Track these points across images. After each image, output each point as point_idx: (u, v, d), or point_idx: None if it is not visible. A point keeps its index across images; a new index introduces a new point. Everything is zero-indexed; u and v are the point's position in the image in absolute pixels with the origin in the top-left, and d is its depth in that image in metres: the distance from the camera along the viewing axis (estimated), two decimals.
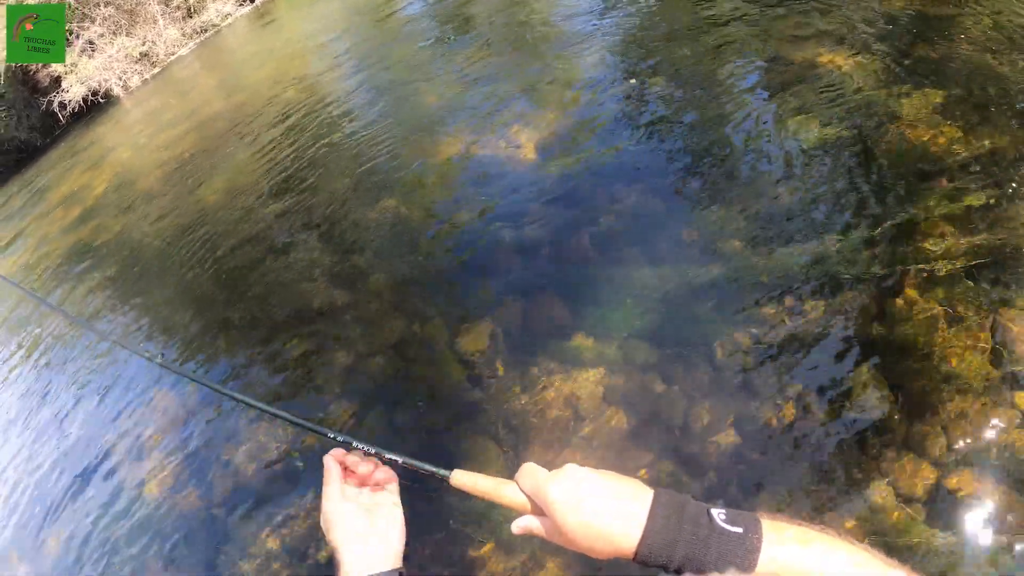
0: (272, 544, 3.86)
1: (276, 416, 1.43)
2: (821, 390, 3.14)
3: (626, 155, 4.98)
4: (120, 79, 17.53)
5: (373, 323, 4.80)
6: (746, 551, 0.77)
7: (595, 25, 7.05)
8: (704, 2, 6.54)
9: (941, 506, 2.61)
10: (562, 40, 7.23)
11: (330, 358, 4.74)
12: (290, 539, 3.82)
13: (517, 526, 0.97)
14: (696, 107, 5.22)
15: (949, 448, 2.73)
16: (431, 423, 3.92)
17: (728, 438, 3.14)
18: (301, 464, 4.18)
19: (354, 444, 1.20)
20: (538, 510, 0.94)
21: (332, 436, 1.24)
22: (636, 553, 0.82)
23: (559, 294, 4.21)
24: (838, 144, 4.26)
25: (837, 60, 4.96)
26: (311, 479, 4.08)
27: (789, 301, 3.55)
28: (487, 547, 3.23)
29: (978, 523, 2.51)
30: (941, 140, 3.96)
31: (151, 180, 10.37)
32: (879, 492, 2.72)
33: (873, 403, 2.99)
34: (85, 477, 5.45)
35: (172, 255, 7.79)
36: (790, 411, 3.11)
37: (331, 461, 1.14)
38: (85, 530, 4.98)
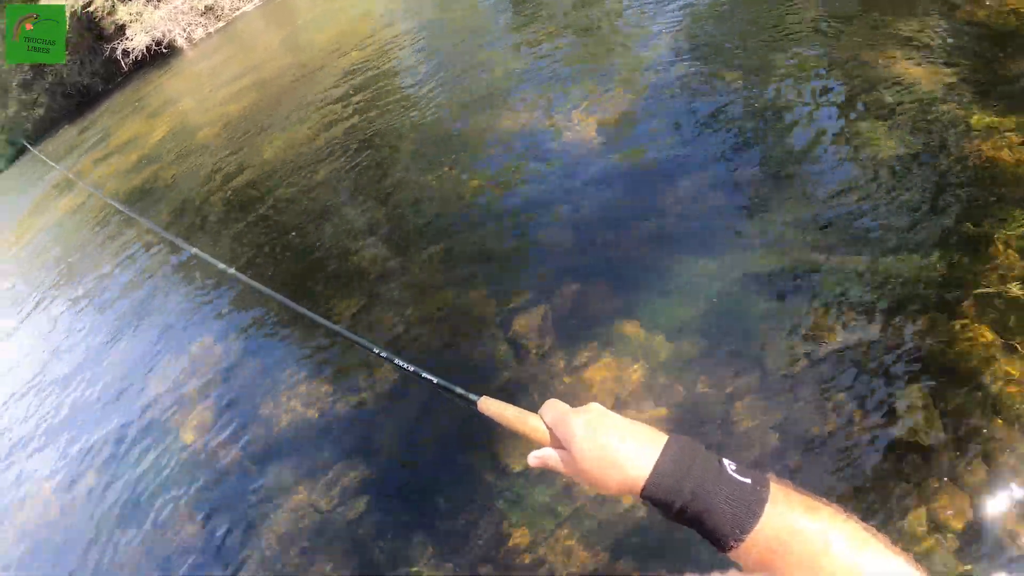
0: (302, 497, 3.93)
1: (323, 326, 1.48)
2: (867, 406, 3.07)
3: (689, 147, 4.91)
4: (184, 31, 17.79)
5: (423, 288, 4.81)
6: (753, 501, 0.80)
7: (668, 14, 6.94)
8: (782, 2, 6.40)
9: (976, 541, 2.55)
10: (633, 25, 7.12)
11: (377, 319, 4.76)
12: (322, 498, 3.89)
13: (534, 457, 1.01)
14: (764, 105, 5.11)
15: (992, 483, 2.67)
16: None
17: (768, 443, 3.09)
18: (333, 427, 4.26)
19: (396, 361, 1.26)
20: (557, 443, 0.98)
21: (377, 351, 1.30)
22: (644, 487, 0.86)
23: (611, 279, 4.17)
24: (908, 155, 4.14)
25: (913, 69, 4.81)
26: (346, 438, 4.14)
27: (844, 311, 3.47)
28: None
29: (1012, 562, 2.46)
30: (1016, 161, 3.84)
31: (210, 132, 10.51)
32: (915, 518, 2.65)
33: (919, 426, 2.92)
34: (126, 412, 5.60)
35: (225, 205, 7.92)
36: (833, 424, 3.05)
37: None
38: (120, 468, 5.12)
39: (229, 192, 8.17)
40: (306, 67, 10.86)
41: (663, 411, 3.38)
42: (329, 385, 4.53)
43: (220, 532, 4.13)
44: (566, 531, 3.13)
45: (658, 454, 0.87)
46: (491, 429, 3.61)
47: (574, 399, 3.01)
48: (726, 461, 0.85)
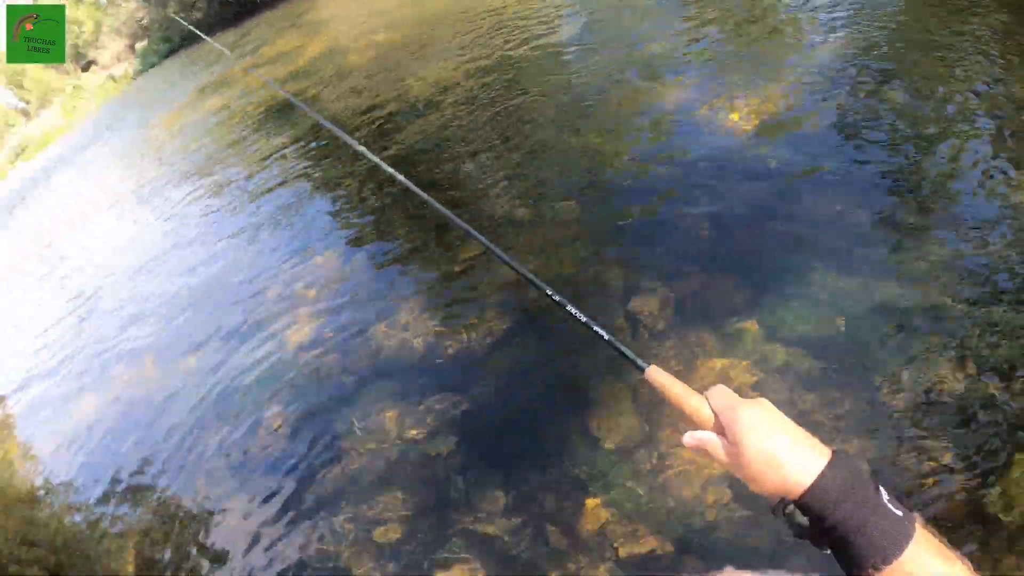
0: (392, 422, 4.05)
1: (492, 251, 1.47)
2: (969, 469, 2.88)
3: (841, 160, 4.65)
4: None
5: (549, 248, 4.81)
6: (900, 535, 0.80)
7: (841, 16, 6.58)
8: (961, 15, 5.95)
9: None
10: (804, 23, 6.80)
11: (498, 267, 4.81)
12: (410, 427, 3.99)
13: (692, 437, 0.99)
14: (929, 129, 4.77)
15: None
16: (580, 364, 3.90)
17: None
18: (441, 360, 4.34)
19: (568, 307, 1.25)
20: (719, 429, 0.97)
21: (549, 294, 1.30)
22: (802, 495, 0.85)
23: (739, 276, 4.03)
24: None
25: None
26: (448, 375, 4.21)
27: (968, 362, 3.25)
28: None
29: None
30: None
31: (361, 57, 10.77)
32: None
33: (1016, 503, 2.72)
34: (242, 305, 5.91)
35: (364, 131, 8.13)
36: (932, 478, 2.89)
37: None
38: (221, 356, 5.41)
39: (371, 118, 8.39)
40: (464, 10, 10.93)
41: None
42: (443, 320, 4.64)
43: (304, 439, 4.32)
44: (640, 516, 3.10)
45: (822, 466, 0.86)
46: (593, 400, 3.63)
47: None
48: (882, 489, 0.85)
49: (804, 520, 0.90)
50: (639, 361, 1.12)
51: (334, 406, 4.40)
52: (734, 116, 5.43)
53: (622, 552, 3.02)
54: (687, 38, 7.11)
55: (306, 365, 4.82)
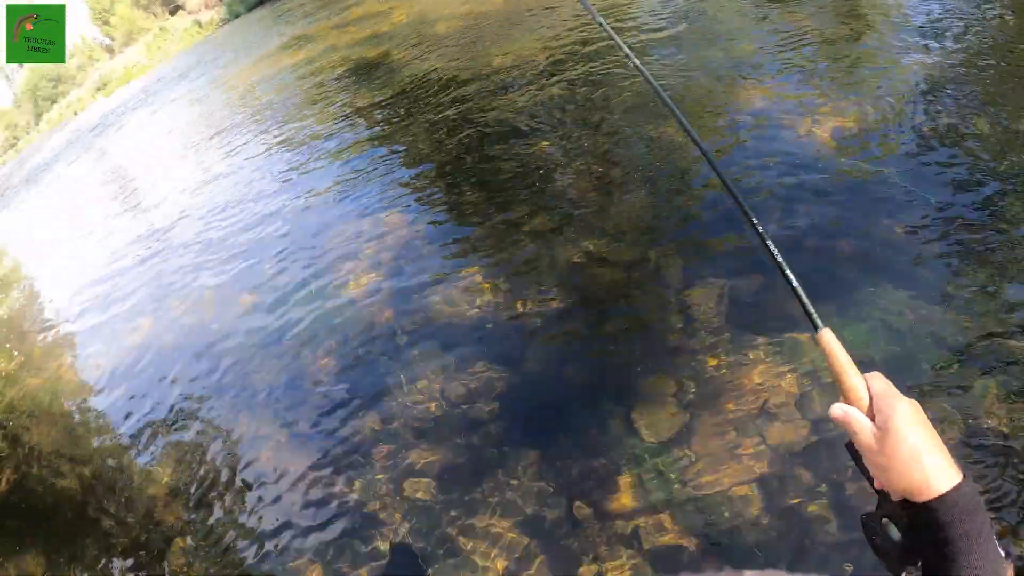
0: (436, 384, 4.14)
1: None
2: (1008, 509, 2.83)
3: (921, 181, 4.54)
4: None
5: (614, 232, 4.82)
6: (999, 570, 0.83)
7: (941, 31, 6.37)
8: None
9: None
10: (900, 37, 6.61)
11: (561, 245, 4.85)
12: (455, 392, 4.07)
13: (840, 409, 1.00)
14: (1011, 161, 4.65)
15: None
16: (629, 350, 3.93)
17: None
18: (492, 328, 4.41)
19: (768, 243, 1.22)
20: (869, 412, 0.98)
21: (757, 225, 1.25)
22: (934, 499, 0.86)
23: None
24: None
25: None
26: (499, 345, 4.29)
27: (1020, 407, 3.19)
28: None
29: None
30: None
31: (447, 27, 10.83)
32: None
33: None
34: (305, 252, 6.07)
35: (442, 99, 8.22)
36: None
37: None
38: (279, 297, 5.57)
39: (451, 85, 8.46)
40: None
41: (804, 433, 3.26)
42: (499, 291, 4.71)
43: (348, 387, 4.46)
44: (666, 507, 3.13)
45: (958, 480, 0.88)
46: (638, 390, 3.66)
47: (727, 387, 2.97)
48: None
49: (897, 535, 0.93)
50: (817, 319, 1.12)
51: (382, 360, 4.51)
52: (815, 127, 5.34)
53: (645, 541, 3.06)
54: (777, 43, 6.97)
55: (360, 317, 4.95)
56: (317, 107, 9.99)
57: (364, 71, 10.42)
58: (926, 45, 6.15)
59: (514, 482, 3.47)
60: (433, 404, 4.03)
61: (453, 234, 5.57)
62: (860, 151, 4.96)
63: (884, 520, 0.94)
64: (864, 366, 3.08)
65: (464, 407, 3.94)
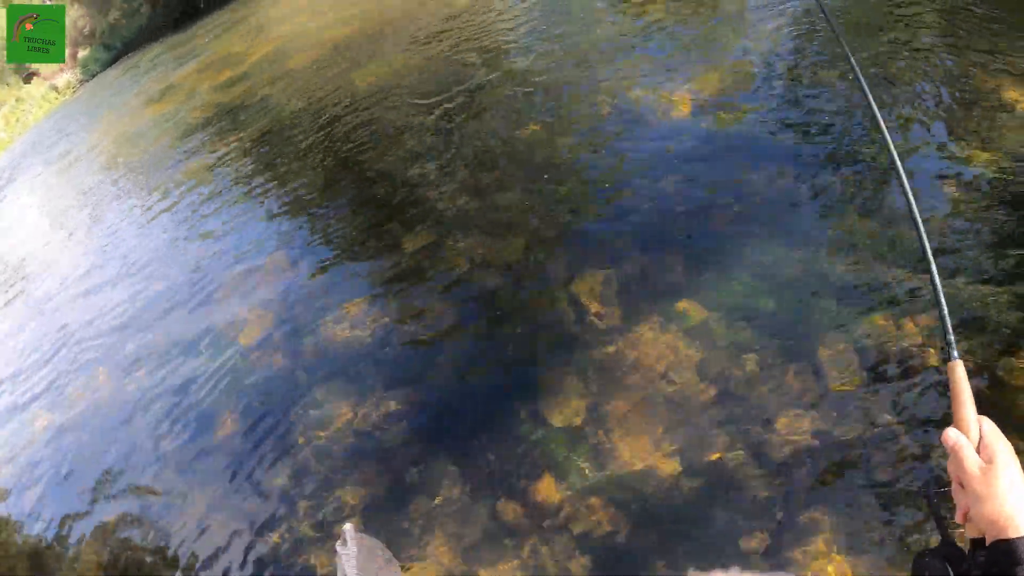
0: (345, 416, 4.05)
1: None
2: (913, 428, 3.00)
3: (781, 139, 4.77)
4: None
5: (494, 236, 4.86)
6: None
7: (786, 5, 6.72)
8: (905, 5, 6.13)
9: None
10: (750, 8, 6.93)
11: (444, 257, 4.85)
12: (363, 418, 4.00)
13: (955, 434, 1.06)
14: (862, 108, 4.95)
15: None
16: (527, 348, 3.97)
17: (805, 443, 3.04)
18: (390, 351, 4.35)
19: (923, 239, 1.27)
20: (976, 447, 1.04)
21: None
22: (1016, 542, 0.91)
23: (680, 255, 4.13)
24: (1004, 181, 3.98)
25: (1016, 97, 4.60)
26: (398, 365, 4.25)
27: (910, 327, 3.39)
28: None
29: None
30: None
31: (306, 57, 10.66)
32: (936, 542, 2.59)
33: None
34: (190, 311, 5.83)
35: (309, 131, 8.07)
36: (875, 440, 2.99)
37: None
38: (174, 361, 5.34)
39: (316, 115, 8.32)
40: (412, 7, 10.89)
41: (711, 394, 3.37)
42: (390, 311, 4.66)
43: (259, 438, 4.31)
44: (592, 491, 3.17)
45: None
46: (540, 383, 3.69)
47: (626, 366, 3.03)
48: None
49: (948, 570, 0.99)
50: (954, 349, 1.15)
51: (288, 404, 4.38)
52: (675, 100, 5.53)
53: (576, 527, 3.09)
54: (635, 23, 7.19)
55: (257, 365, 4.79)
56: (186, 158, 9.63)
57: (228, 115, 10.12)
58: (779, 8, 6.45)
59: (440, 499, 3.44)
60: (345, 439, 3.94)
61: (338, 264, 5.47)
62: (719, 116, 5.19)
63: (944, 560, 1.00)
64: (744, 316, 3.19)
65: (376, 435, 3.87)
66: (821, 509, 2.81)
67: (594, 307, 3.98)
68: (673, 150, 4.98)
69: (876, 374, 3.20)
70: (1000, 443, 1.01)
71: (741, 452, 3.11)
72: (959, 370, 1.11)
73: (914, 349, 3.23)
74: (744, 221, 4.23)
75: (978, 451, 1.02)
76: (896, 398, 3.08)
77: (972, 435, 1.04)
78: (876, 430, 2.99)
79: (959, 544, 1.02)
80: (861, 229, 3.94)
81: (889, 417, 3.02)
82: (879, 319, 3.41)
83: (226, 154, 8.85)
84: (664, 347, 3.60)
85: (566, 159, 5.43)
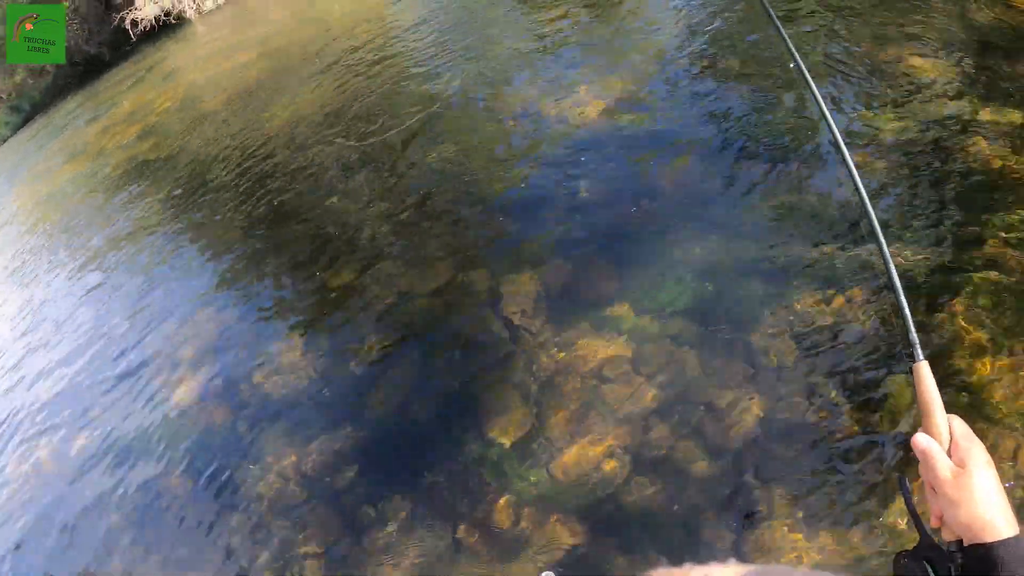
0: (290, 462, 3.96)
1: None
2: (853, 396, 3.06)
3: (686, 131, 4.90)
4: (194, 1, 17.68)
5: (418, 264, 4.84)
6: None
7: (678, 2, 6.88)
8: None
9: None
10: (646, 8, 7.09)
11: (373, 292, 4.79)
12: (310, 463, 3.92)
13: (925, 440, 1.03)
14: (768, 91, 5.09)
15: None
16: (463, 370, 3.96)
17: (751, 430, 3.09)
18: (328, 392, 4.28)
19: (884, 251, 1.21)
20: (948, 451, 1.02)
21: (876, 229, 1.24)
22: (994, 545, 0.90)
23: (605, 258, 4.19)
24: (907, 146, 4.12)
25: (920, 64, 4.79)
26: (337, 403, 4.18)
27: (835, 302, 3.47)
28: None
29: None
30: (1015, 161, 3.82)
31: (215, 103, 10.50)
32: (895, 515, 2.65)
33: (907, 421, 2.92)
34: (119, 374, 5.62)
35: (226, 178, 7.92)
36: (819, 411, 3.06)
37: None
38: (111, 429, 5.14)
39: (230, 161, 8.17)
40: (315, 40, 10.84)
41: (652, 390, 3.40)
42: (321, 354, 4.58)
43: (206, 498, 4.17)
44: (547, 504, 3.17)
45: (1018, 530, 0.92)
46: (481, 403, 3.67)
47: (563, 373, 3.03)
48: None
49: (929, 571, 0.97)
50: (919, 350, 1.12)
51: (233, 458, 4.26)
52: (584, 106, 5.62)
53: (535, 542, 3.08)
54: (538, 34, 7.30)
55: (197, 423, 4.65)
56: (106, 218, 9.30)
57: (144, 169, 9.85)
58: (672, 5, 6.60)
59: (397, 533, 3.39)
60: (296, 485, 3.85)
61: (265, 310, 5.37)
62: (632, 119, 5.28)
63: (924, 562, 0.98)
64: (676, 312, 3.23)
65: (326, 477, 3.80)
66: (776, 492, 2.86)
67: (525, 320, 4.00)
68: (588, 154, 5.05)
69: (815, 353, 3.28)
70: (972, 445, 1.00)
71: (689, 444, 3.14)
72: (925, 371, 1.09)
73: (855, 324, 3.32)
74: (668, 215, 4.31)
75: (949, 454, 1.01)
76: (839, 374, 3.16)
77: (943, 439, 1.03)
78: (821, 409, 3.06)
79: (938, 542, 1.00)
80: (790, 210, 4.05)
81: (834, 394, 3.09)
82: (815, 297, 3.50)
83: (145, 210, 8.62)
84: (599, 350, 3.63)
85: (481, 176, 5.47)
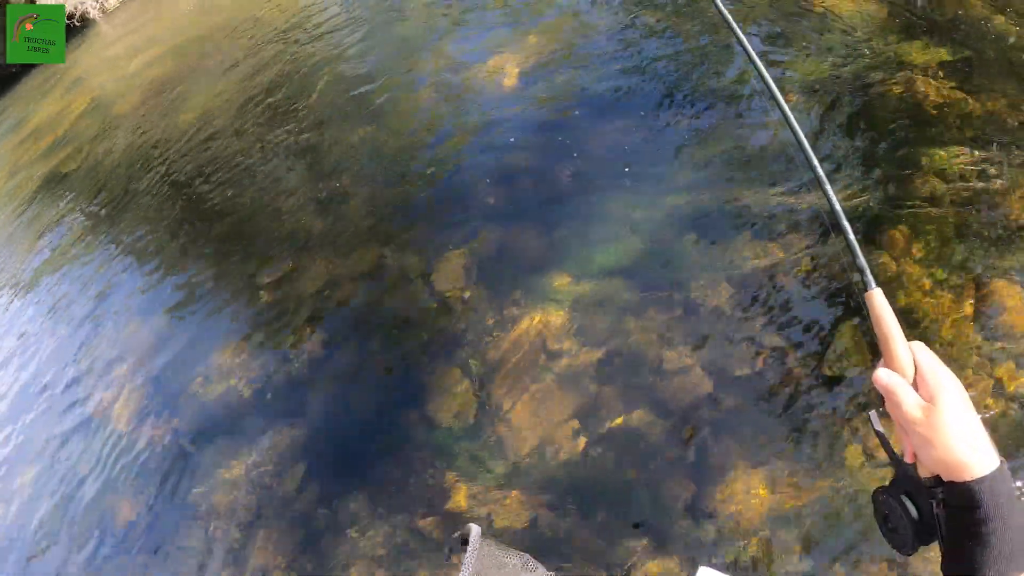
0: (239, 472, 3.84)
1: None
2: (798, 343, 3.07)
3: (610, 87, 4.84)
4: (97, 1, 16.91)
5: (348, 249, 4.72)
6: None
7: None
8: None
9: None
10: None
11: (303, 284, 4.67)
12: (259, 469, 3.80)
13: (886, 375, 0.93)
14: (687, 41, 5.04)
15: None
16: (404, 356, 3.86)
17: (701, 385, 3.09)
18: (270, 394, 4.14)
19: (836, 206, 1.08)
20: (914, 383, 0.92)
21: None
22: (974, 480, 0.83)
23: (537, 227, 4.12)
24: (832, 88, 4.11)
25: (841, 5, 4.78)
26: (278, 407, 4.05)
27: (772, 247, 3.46)
28: None
29: None
30: (940, 97, 3.83)
31: (128, 104, 10.10)
32: (852, 451, 2.67)
33: (849, 361, 2.93)
34: (56, 406, 5.40)
35: (143, 180, 7.63)
36: (765, 362, 3.06)
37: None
38: (55, 462, 4.95)
39: (149, 163, 7.86)
40: (222, 29, 10.49)
41: (597, 355, 3.36)
42: (257, 355, 4.45)
43: (159, 517, 4.04)
44: (499, 481, 3.13)
45: (998, 463, 0.84)
46: (424, 387, 3.57)
47: (506, 349, 2.94)
48: None
49: (915, 512, 0.89)
50: (870, 278, 1.01)
51: (179, 474, 4.11)
52: (500, 74, 5.52)
53: (498, 523, 3.04)
54: (449, 7, 7.13)
55: (139, 444, 4.47)
56: (26, 238, 8.93)
57: (60, 183, 9.40)
58: None
59: (356, 529, 3.31)
60: (247, 495, 3.73)
61: (197, 316, 5.16)
62: (549, 83, 5.21)
63: (903, 496, 0.90)
64: (613, 273, 3.15)
65: (276, 483, 3.69)
66: (731, 444, 2.87)
67: (461, 298, 3.92)
68: (510, 122, 4.97)
69: (757, 301, 3.27)
70: (940, 374, 0.91)
71: (641, 407, 3.13)
72: (878, 299, 0.99)
73: (792, 269, 3.32)
74: (597, 176, 4.25)
75: (916, 387, 0.92)
76: (782, 319, 3.17)
77: (907, 371, 0.93)
78: (768, 357, 3.06)
79: (916, 475, 0.92)
80: (722, 159, 4.03)
81: (778, 339, 3.11)
82: (752, 245, 3.50)
83: (66, 225, 8.24)
84: (539, 322, 3.58)
85: (405, 155, 5.35)
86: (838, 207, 1.08)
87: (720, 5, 1.41)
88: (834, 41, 4.43)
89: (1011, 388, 2.63)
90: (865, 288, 1.00)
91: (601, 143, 4.43)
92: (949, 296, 2.94)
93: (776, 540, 2.55)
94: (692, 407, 3.02)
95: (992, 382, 2.65)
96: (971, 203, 3.25)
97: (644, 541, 2.72)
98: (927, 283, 3.01)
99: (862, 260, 1.03)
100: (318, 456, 3.70)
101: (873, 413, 1.00)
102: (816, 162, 1.13)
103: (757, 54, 1.27)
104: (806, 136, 1.20)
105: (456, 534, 2.71)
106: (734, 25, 1.36)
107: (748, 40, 1.33)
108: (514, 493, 3.07)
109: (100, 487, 4.47)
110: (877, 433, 0.99)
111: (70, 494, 4.65)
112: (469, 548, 2.81)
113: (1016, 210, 3.17)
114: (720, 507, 2.70)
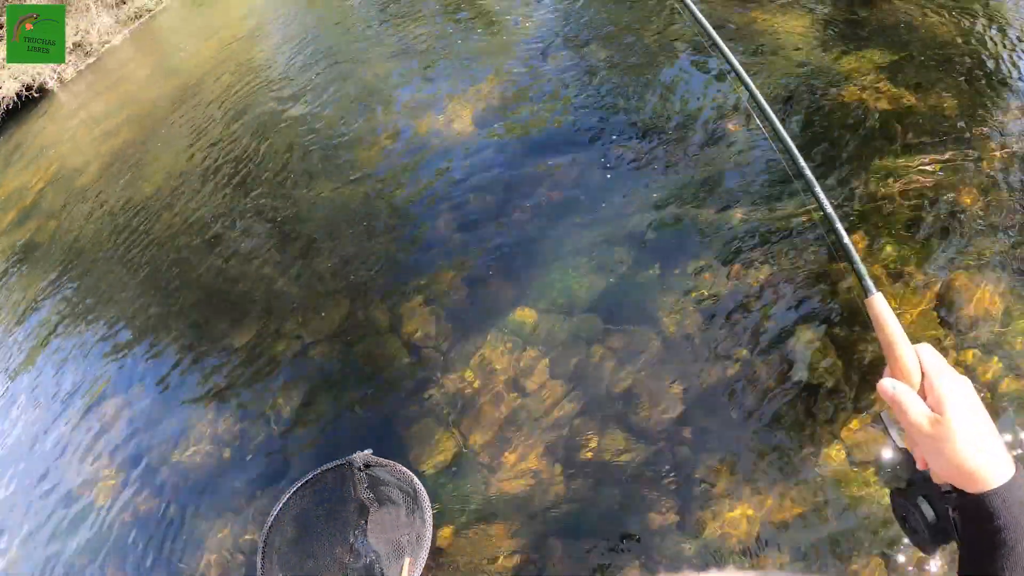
0: (226, 536, 3.83)
1: None
2: (767, 354, 3.16)
3: (562, 123, 4.97)
4: (54, 71, 16.88)
5: (315, 309, 4.75)
6: None
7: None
8: None
9: (899, 463, 2.65)
10: (500, 12, 7.13)
11: (273, 348, 4.68)
12: (249, 534, 3.80)
13: (891, 385, 0.90)
14: (632, 72, 5.20)
15: None
16: (378, 408, 3.91)
17: (675, 406, 3.16)
18: (251, 456, 4.14)
19: (836, 225, 1.06)
20: (921, 390, 0.89)
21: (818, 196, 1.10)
22: (988, 493, 0.80)
23: (501, 268, 4.20)
24: (776, 104, 4.27)
25: (776, 22, 4.96)
26: (259, 467, 4.06)
27: (732, 264, 3.57)
28: None
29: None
30: (883, 101, 3.99)
31: (89, 174, 10.07)
32: (833, 455, 2.74)
33: (821, 366, 3.02)
34: (34, 489, 5.31)
35: (110, 250, 7.60)
36: (737, 376, 3.14)
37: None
38: (37, 546, 4.86)
39: (115, 236, 7.83)
40: (181, 93, 10.53)
41: (569, 393, 3.43)
42: (239, 417, 4.43)
43: None
44: (488, 524, 3.16)
45: (1012, 473, 0.81)
46: (405, 436, 3.61)
47: (479, 391, 3.00)
48: None
49: (931, 514, 0.87)
50: (869, 283, 0.98)
51: (167, 546, 4.08)
52: (456, 119, 5.62)
53: (483, 554, 3.06)
54: (403, 55, 7.27)
55: (124, 519, 4.42)
56: None
57: (26, 256, 9.34)
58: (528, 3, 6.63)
59: None
60: (235, 561, 3.73)
61: (172, 384, 5.12)
62: (504, 122, 5.31)
63: (920, 499, 0.88)
64: (581, 306, 3.25)
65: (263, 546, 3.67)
66: (713, 464, 2.92)
67: (431, 347, 3.99)
68: (466, 168, 5.06)
69: (720, 320, 3.37)
70: (946, 379, 0.87)
71: (616, 435, 3.19)
72: (879, 304, 0.95)
73: (732, 279, 3.40)
74: (550, 216, 4.36)
75: (923, 396, 0.88)
76: (747, 335, 3.26)
77: (913, 377, 0.90)
78: (738, 370, 3.12)
79: (930, 479, 0.90)
80: (661, 192, 4.10)
81: (745, 353, 3.20)
82: (694, 266, 3.57)
83: (34, 299, 8.17)
84: (508, 360, 3.66)
85: (365, 206, 5.43)
86: (831, 211, 1.07)
87: (696, 12, 1.47)
88: (773, 56, 4.59)
89: (985, 378, 2.75)
90: (865, 294, 0.98)
91: (558, 180, 4.55)
92: (911, 291, 3.06)
93: (766, 553, 2.61)
94: (668, 429, 3.10)
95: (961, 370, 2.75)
96: (923, 198, 3.39)
97: (630, 565, 2.77)
98: (886, 280, 3.12)
99: (860, 266, 1.00)
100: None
101: (884, 414, 0.97)
102: (804, 165, 1.15)
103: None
104: (778, 150, 1.17)
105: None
106: (715, 35, 1.44)
107: (729, 50, 1.35)
108: (497, 530, 3.12)
109: (88, 569, 4.40)
110: (890, 437, 0.96)
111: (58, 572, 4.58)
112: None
113: (967, 203, 3.32)
114: (706, 529, 2.76)
